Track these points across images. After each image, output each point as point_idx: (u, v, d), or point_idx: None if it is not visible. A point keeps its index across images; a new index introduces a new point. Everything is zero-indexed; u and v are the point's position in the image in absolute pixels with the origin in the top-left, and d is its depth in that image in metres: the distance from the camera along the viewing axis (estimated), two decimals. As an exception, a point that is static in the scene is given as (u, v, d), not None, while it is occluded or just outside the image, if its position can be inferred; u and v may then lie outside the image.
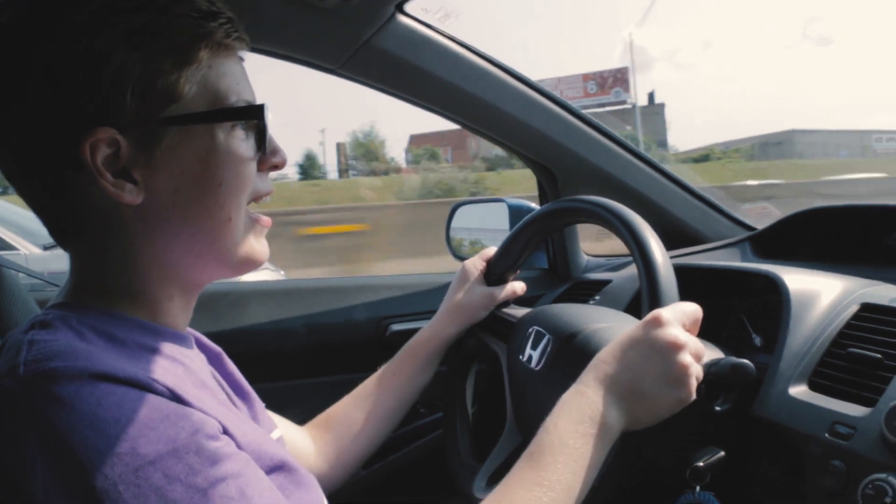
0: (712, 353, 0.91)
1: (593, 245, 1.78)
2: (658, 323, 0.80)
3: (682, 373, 0.78)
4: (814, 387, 0.91)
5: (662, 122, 49.80)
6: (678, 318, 0.82)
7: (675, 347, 0.78)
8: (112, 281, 0.69)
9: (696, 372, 0.80)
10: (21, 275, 1.10)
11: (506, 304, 1.21)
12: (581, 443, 0.74)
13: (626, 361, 0.79)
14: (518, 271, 1.23)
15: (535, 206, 1.69)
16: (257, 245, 0.74)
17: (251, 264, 0.74)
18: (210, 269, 0.73)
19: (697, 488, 0.88)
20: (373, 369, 1.17)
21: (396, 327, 1.55)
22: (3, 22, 0.64)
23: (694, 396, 0.80)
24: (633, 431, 0.79)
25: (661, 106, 51.77)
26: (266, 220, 0.76)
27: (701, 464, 0.86)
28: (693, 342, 0.81)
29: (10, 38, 0.64)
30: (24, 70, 0.63)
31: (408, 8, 1.26)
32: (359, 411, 1.11)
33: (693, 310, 0.85)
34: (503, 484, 0.73)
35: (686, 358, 0.79)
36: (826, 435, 0.83)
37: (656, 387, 0.78)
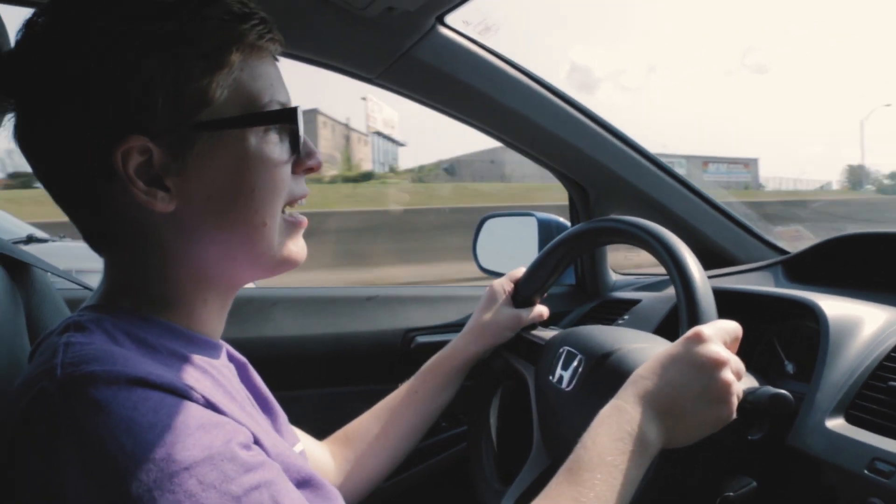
0: (748, 381, 0.89)
1: (622, 261, 1.76)
2: (699, 339, 0.79)
3: (723, 390, 0.77)
4: (852, 420, 0.89)
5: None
6: (719, 335, 0.81)
7: (717, 364, 0.77)
8: (146, 286, 0.69)
9: (738, 390, 0.79)
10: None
11: (532, 326, 1.21)
12: (620, 459, 0.72)
13: (667, 378, 0.78)
14: (545, 294, 1.22)
15: (565, 221, 1.68)
16: (294, 246, 0.74)
17: (289, 265, 0.74)
18: (247, 272, 0.73)
19: None
20: (396, 381, 1.17)
21: (421, 339, 1.54)
22: (30, 36, 0.65)
23: (735, 415, 0.78)
24: (671, 449, 0.78)
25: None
26: (303, 219, 0.76)
27: (732, 493, 0.84)
28: (734, 360, 0.80)
29: (38, 51, 0.64)
30: (54, 83, 0.63)
31: (448, 20, 1.26)
32: (379, 427, 1.10)
33: (734, 327, 0.83)
34: (541, 500, 0.72)
35: (728, 375, 0.77)
36: (865, 471, 0.80)
37: (697, 404, 0.77)
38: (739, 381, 0.80)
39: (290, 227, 0.74)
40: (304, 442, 0.96)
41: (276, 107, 0.70)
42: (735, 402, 0.78)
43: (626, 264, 1.80)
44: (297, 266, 0.75)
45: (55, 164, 0.66)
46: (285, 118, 0.70)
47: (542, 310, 1.21)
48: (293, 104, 0.72)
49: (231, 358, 0.84)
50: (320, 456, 1.04)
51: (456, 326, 1.54)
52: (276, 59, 0.73)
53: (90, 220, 0.69)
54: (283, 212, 0.73)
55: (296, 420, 0.95)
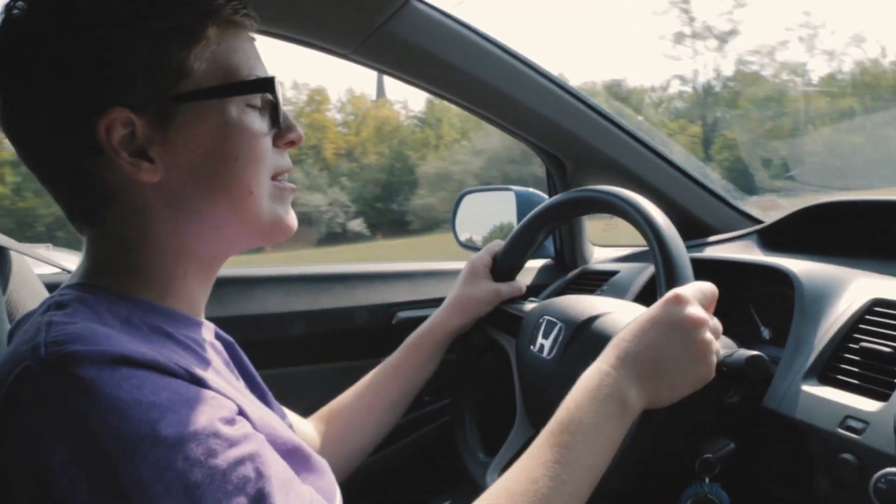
0: (726, 346, 0.91)
1: (599, 234, 1.77)
2: (678, 301, 0.80)
3: (703, 349, 0.79)
4: (825, 381, 0.91)
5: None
6: (696, 296, 0.83)
7: (696, 324, 0.79)
8: (129, 263, 0.70)
9: (716, 349, 0.81)
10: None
11: (512, 299, 1.22)
12: (602, 421, 0.74)
13: (648, 339, 0.79)
14: (524, 267, 1.23)
15: (543, 195, 1.68)
16: (284, 213, 0.75)
17: (279, 232, 0.75)
18: (234, 241, 0.74)
19: (706, 479, 0.88)
20: (380, 356, 1.17)
21: (404, 314, 1.55)
22: (9, 21, 0.65)
23: (714, 374, 0.80)
24: (652, 410, 0.80)
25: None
26: (292, 186, 0.77)
27: (710, 455, 0.86)
28: (712, 320, 0.82)
29: (18, 30, 0.65)
30: (34, 61, 0.63)
31: (422, -6, 1.25)
32: (362, 404, 1.11)
33: (710, 289, 0.85)
34: (523, 461, 0.73)
35: (707, 334, 0.80)
36: (838, 429, 0.83)
37: (678, 364, 0.79)
38: (717, 340, 0.82)
39: (281, 193, 0.75)
40: (290, 418, 0.97)
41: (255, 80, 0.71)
42: (714, 360, 0.80)
43: (604, 237, 1.81)
44: (289, 235, 0.76)
45: (41, 146, 0.67)
46: (263, 87, 0.71)
47: (520, 283, 1.22)
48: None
49: (218, 337, 0.84)
50: (305, 433, 1.05)
51: (438, 301, 1.55)
52: (253, 38, 0.74)
53: (75, 199, 0.70)
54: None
55: (280, 397, 0.95)
